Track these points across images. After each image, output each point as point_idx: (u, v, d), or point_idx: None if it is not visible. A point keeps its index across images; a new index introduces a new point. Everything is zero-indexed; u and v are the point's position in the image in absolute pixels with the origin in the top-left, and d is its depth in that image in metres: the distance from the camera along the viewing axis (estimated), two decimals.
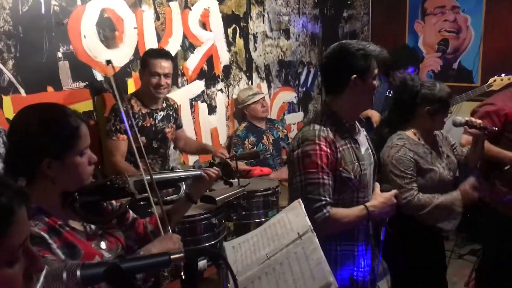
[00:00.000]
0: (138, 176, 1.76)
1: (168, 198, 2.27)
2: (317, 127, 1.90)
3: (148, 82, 3.02)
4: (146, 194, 1.74)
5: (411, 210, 2.37)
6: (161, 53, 3.09)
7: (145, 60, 3.04)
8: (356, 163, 1.92)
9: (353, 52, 1.89)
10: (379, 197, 1.98)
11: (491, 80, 3.62)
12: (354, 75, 1.88)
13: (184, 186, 1.91)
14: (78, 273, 0.91)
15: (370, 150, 2.08)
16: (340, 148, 1.89)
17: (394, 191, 2.01)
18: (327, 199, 1.85)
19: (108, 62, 2.46)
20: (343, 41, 2.00)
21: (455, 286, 3.60)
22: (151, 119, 3.12)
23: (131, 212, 1.77)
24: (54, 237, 1.37)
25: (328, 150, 1.85)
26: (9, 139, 1.45)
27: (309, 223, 1.60)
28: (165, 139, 3.24)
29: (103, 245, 1.49)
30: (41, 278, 0.92)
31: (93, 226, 1.51)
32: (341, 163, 1.88)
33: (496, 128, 2.75)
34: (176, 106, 3.37)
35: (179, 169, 3.54)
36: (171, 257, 0.95)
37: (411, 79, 2.51)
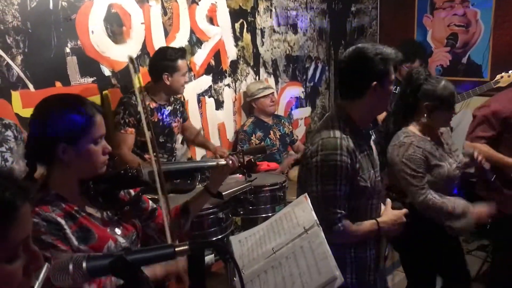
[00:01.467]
0: (153, 167, 1.78)
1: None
2: (338, 134, 1.86)
3: (179, 82, 3.10)
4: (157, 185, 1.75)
5: (424, 210, 2.36)
6: (184, 53, 3.20)
7: (174, 63, 3.06)
8: (372, 171, 1.92)
9: (371, 57, 1.85)
10: (390, 215, 1.99)
11: (498, 76, 3.59)
12: (375, 82, 1.85)
13: (199, 177, 1.94)
14: (84, 265, 0.93)
15: (376, 154, 2.07)
16: (359, 157, 1.87)
17: (404, 210, 2.02)
18: (342, 211, 1.85)
19: (131, 60, 2.38)
20: (359, 45, 1.93)
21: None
22: (158, 114, 3.14)
23: (151, 202, 1.82)
24: (70, 222, 1.45)
25: (349, 161, 1.82)
26: (31, 124, 1.52)
27: (315, 218, 1.60)
28: (171, 134, 3.26)
29: (118, 231, 1.57)
30: (41, 276, 0.92)
31: (109, 213, 1.59)
32: (359, 172, 1.87)
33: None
34: (182, 99, 3.40)
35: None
36: (176, 249, 0.96)
37: (417, 73, 2.48)
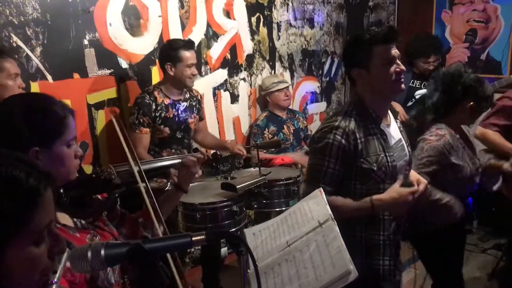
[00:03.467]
0: (124, 167, 1.72)
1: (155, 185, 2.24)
2: (340, 116, 1.91)
3: (183, 74, 3.06)
4: (137, 185, 1.69)
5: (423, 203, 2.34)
6: (191, 44, 3.15)
7: (176, 52, 3.04)
8: (382, 154, 1.89)
9: (350, 44, 1.97)
10: (391, 191, 1.87)
11: None
12: (354, 68, 1.91)
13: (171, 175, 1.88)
14: (102, 252, 0.94)
15: (403, 143, 2.03)
16: (363, 139, 1.87)
17: (413, 189, 1.87)
18: (326, 187, 1.85)
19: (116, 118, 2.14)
20: (352, 33, 2.03)
21: (478, 280, 3.55)
22: (173, 109, 3.15)
23: (119, 207, 1.71)
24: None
25: (343, 141, 1.85)
26: None
27: (330, 212, 1.60)
28: (188, 130, 3.27)
29: (96, 239, 1.45)
30: (63, 260, 0.94)
31: (83, 221, 1.46)
32: (362, 154, 1.87)
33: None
34: (199, 97, 3.40)
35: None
36: (193, 239, 0.97)
37: (466, 71, 2.45)
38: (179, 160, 1.87)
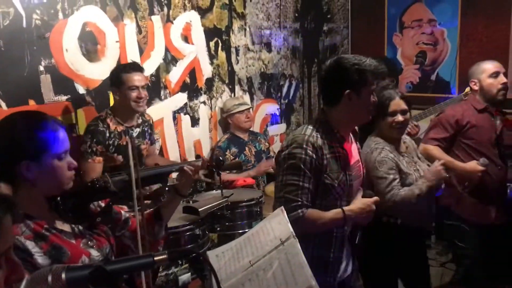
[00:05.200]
0: (120, 176, 1.78)
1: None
2: (308, 131, 1.97)
3: (127, 97, 2.97)
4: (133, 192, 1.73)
5: (395, 207, 2.42)
6: (134, 67, 3.07)
7: (118, 76, 2.99)
8: (343, 173, 1.97)
9: (348, 67, 1.95)
10: (358, 202, 2.02)
11: (467, 89, 3.72)
12: (348, 90, 1.94)
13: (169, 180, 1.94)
14: (63, 276, 0.92)
15: (360, 163, 2.13)
16: (328, 156, 1.94)
17: (374, 198, 2.04)
18: (304, 201, 1.91)
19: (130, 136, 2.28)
20: (342, 55, 2.10)
21: None
22: (127, 137, 3.05)
23: (123, 212, 1.80)
24: (41, 243, 1.40)
25: (314, 156, 1.91)
26: None
27: (292, 230, 1.63)
28: (141, 156, 3.19)
29: (91, 244, 1.53)
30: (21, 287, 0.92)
31: (80, 227, 1.55)
32: (326, 170, 1.94)
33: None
34: (151, 122, 3.34)
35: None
36: (155, 258, 0.97)
37: None
38: (178, 167, 1.95)
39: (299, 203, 1.90)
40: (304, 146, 1.92)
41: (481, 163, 2.93)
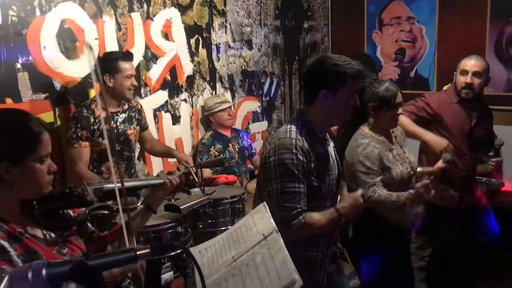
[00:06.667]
0: (98, 184, 1.74)
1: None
2: (294, 135, 1.94)
3: (122, 84, 3.06)
4: (108, 202, 1.70)
5: (372, 206, 2.44)
6: (129, 55, 3.18)
7: (114, 63, 3.04)
8: (326, 173, 1.99)
9: (328, 67, 1.94)
10: (347, 198, 2.05)
11: (445, 87, 3.78)
12: (324, 90, 1.94)
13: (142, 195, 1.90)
14: (43, 272, 0.90)
15: (336, 161, 2.15)
16: (314, 158, 1.94)
17: (361, 191, 2.08)
18: (303, 207, 1.91)
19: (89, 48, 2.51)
20: (328, 54, 2.09)
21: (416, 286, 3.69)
22: (111, 122, 3.11)
23: (89, 224, 1.73)
24: (15, 244, 1.34)
25: (304, 160, 1.91)
26: None
27: (274, 224, 1.63)
28: (128, 141, 3.24)
29: (64, 252, 1.47)
30: (1, 286, 0.90)
31: (52, 234, 1.49)
32: (313, 172, 1.95)
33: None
34: (139, 107, 3.38)
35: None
36: (137, 253, 0.96)
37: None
38: (161, 181, 1.91)
39: (299, 209, 1.90)
40: (294, 151, 1.90)
41: (444, 158, 2.88)
